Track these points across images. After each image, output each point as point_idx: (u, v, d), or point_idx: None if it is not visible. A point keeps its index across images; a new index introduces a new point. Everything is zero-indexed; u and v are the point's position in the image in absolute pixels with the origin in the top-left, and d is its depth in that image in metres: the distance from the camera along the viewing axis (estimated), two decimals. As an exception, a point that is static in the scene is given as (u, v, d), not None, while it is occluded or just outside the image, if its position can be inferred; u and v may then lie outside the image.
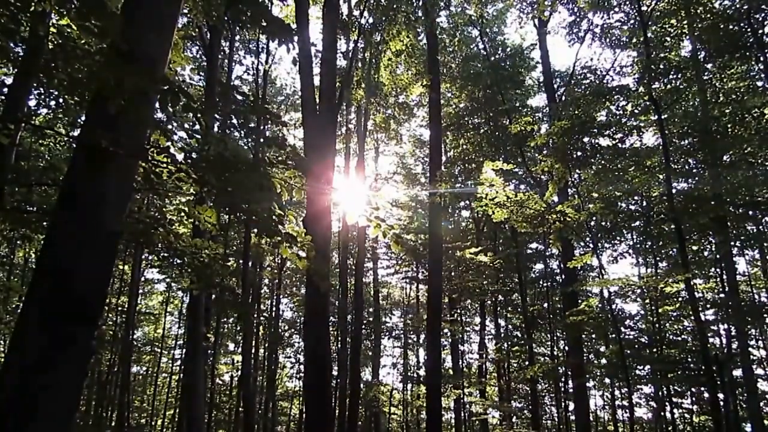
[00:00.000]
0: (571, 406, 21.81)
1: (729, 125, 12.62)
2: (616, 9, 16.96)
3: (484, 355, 25.12)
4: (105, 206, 3.52)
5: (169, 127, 4.84)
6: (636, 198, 16.66)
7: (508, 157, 20.17)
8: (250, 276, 22.10)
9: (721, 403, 12.22)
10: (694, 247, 18.31)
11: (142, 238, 6.08)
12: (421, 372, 28.67)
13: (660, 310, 19.05)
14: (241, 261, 21.37)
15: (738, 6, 11.89)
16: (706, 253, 19.05)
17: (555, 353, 24.89)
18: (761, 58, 12.17)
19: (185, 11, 10.51)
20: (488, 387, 25.15)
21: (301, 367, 29.69)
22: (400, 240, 4.90)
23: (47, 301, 3.29)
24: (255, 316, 22.95)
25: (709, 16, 12.38)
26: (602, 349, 21.25)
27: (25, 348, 3.27)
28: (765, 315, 16.63)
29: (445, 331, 23.88)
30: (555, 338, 25.04)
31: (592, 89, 14.00)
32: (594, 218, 15.03)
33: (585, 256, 13.71)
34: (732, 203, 12.85)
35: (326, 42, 11.18)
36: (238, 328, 27.51)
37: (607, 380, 21.73)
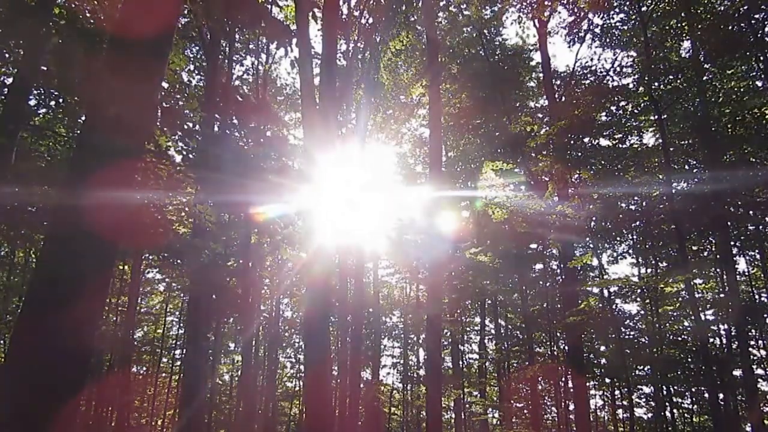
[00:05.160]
0: (571, 406, 21.81)
1: (729, 125, 12.62)
2: (616, 9, 16.96)
3: (484, 355, 25.11)
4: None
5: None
6: (636, 198, 16.64)
7: (508, 157, 20.14)
8: (250, 276, 22.07)
9: (721, 403, 12.21)
10: (694, 247, 18.29)
11: (142, 239, 6.08)
12: (421, 372, 28.67)
13: (660, 310, 19.03)
14: (241, 261, 21.37)
15: (738, 6, 11.89)
16: (706, 253, 19.03)
17: (555, 353, 24.87)
18: (761, 58, 12.17)
19: (185, 11, 10.51)
20: (488, 387, 25.13)
21: (301, 367, 29.68)
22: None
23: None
24: (255, 316, 22.92)
25: (709, 16, 12.38)
26: (602, 349, 21.24)
27: None
28: (765, 315, 16.61)
29: (445, 331, 23.87)
30: (555, 338, 25.01)
31: (592, 89, 13.99)
32: (594, 218, 15.04)
33: (585, 256, 13.73)
34: (732, 203, 12.85)
35: (326, 41, 11.17)
36: (238, 328, 27.49)
37: (607, 380, 21.71)
